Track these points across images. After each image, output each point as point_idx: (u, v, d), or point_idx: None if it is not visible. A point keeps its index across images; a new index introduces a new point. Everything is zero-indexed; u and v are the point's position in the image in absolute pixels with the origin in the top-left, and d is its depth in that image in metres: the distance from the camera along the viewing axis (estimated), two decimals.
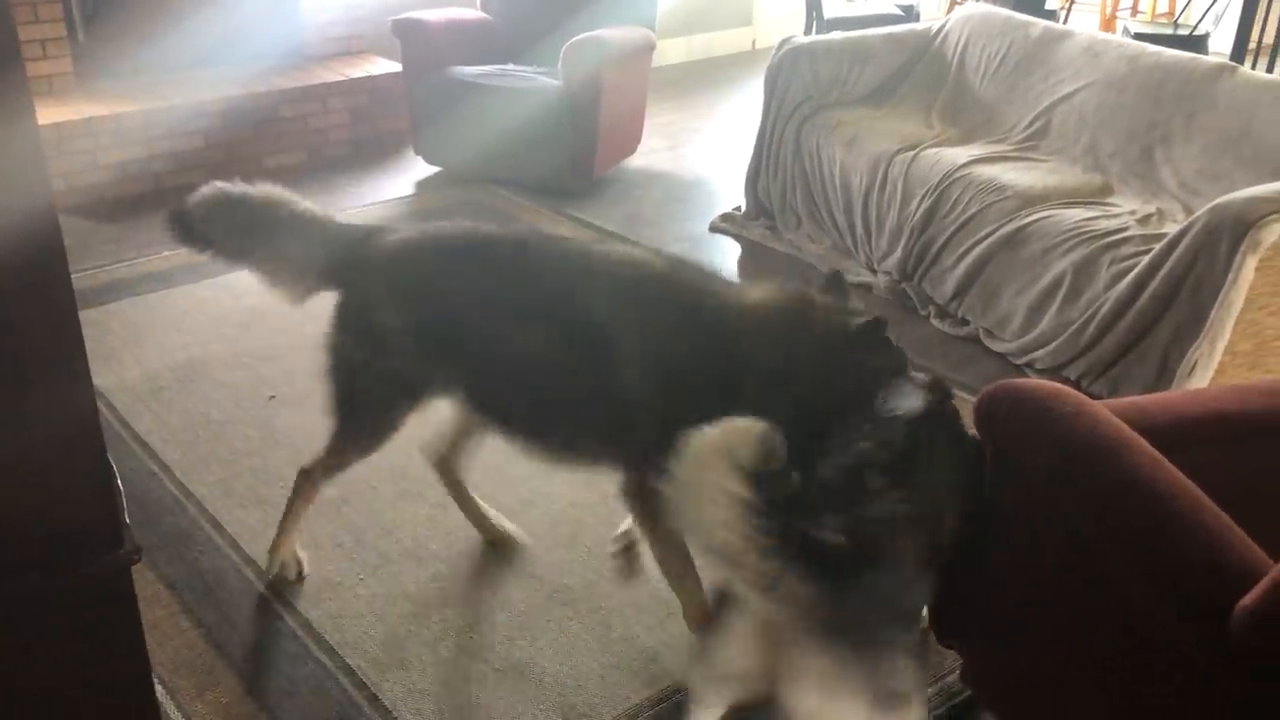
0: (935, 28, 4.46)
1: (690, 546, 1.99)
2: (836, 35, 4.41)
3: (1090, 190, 3.56)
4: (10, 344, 1.17)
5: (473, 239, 2.23)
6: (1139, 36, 5.18)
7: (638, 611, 2.35)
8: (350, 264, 2.22)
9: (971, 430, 1.79)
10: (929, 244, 3.67)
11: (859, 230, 3.98)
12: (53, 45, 4.68)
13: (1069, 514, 1.61)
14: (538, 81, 4.67)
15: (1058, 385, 1.69)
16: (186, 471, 2.80)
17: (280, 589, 2.40)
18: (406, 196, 4.77)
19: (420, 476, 2.61)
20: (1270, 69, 5.23)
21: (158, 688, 2.10)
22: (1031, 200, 3.45)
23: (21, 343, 1.18)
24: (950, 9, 6.46)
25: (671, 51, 6.87)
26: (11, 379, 1.18)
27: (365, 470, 2.51)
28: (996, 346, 3.46)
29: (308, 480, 2.36)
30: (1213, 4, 5.67)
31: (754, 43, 7.41)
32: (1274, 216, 2.73)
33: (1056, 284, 3.26)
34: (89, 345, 1.24)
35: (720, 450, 1.53)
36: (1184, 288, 2.89)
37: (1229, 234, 2.76)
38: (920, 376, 1.88)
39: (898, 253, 3.78)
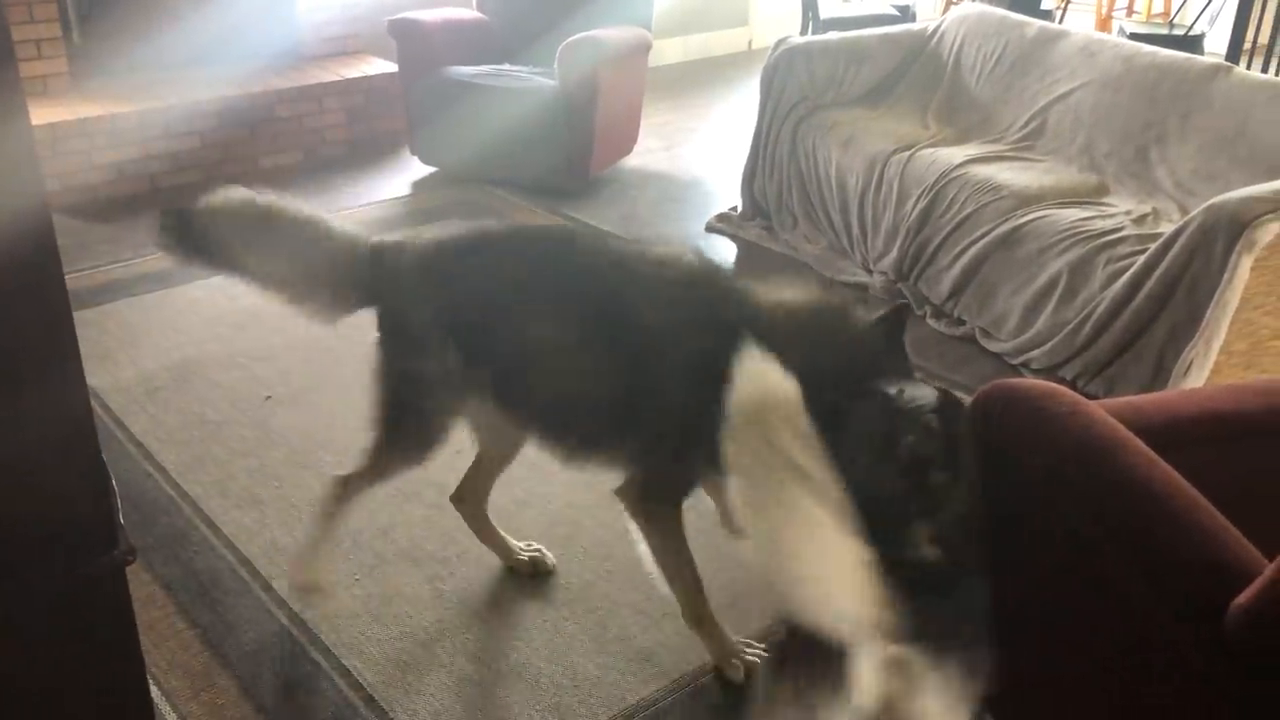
0: (931, 28, 4.46)
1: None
2: (832, 35, 4.41)
3: (1086, 190, 3.57)
4: (4, 344, 1.17)
5: (514, 238, 2.24)
6: (1134, 36, 5.19)
7: (634, 612, 2.35)
8: (386, 276, 2.17)
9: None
10: (925, 244, 3.67)
11: (855, 230, 3.98)
12: (48, 45, 4.68)
13: (1066, 514, 1.60)
14: (534, 81, 4.67)
15: (1053, 385, 1.69)
16: (182, 472, 2.80)
17: (306, 600, 2.33)
18: (403, 196, 4.76)
19: (417, 477, 2.59)
20: (1265, 69, 5.23)
21: (153, 689, 2.10)
22: (1027, 200, 3.46)
23: (16, 343, 1.17)
24: (946, 9, 6.47)
25: (668, 51, 6.87)
26: (5, 379, 1.18)
27: None
28: (992, 346, 3.46)
29: (345, 489, 2.24)
30: (1208, 4, 5.68)
31: (750, 43, 7.42)
32: (1269, 216, 2.74)
33: (1052, 284, 3.26)
34: (84, 346, 1.24)
35: (769, 401, 1.44)
36: (1179, 287, 2.89)
37: (1224, 234, 2.77)
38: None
39: (893, 253, 3.78)
